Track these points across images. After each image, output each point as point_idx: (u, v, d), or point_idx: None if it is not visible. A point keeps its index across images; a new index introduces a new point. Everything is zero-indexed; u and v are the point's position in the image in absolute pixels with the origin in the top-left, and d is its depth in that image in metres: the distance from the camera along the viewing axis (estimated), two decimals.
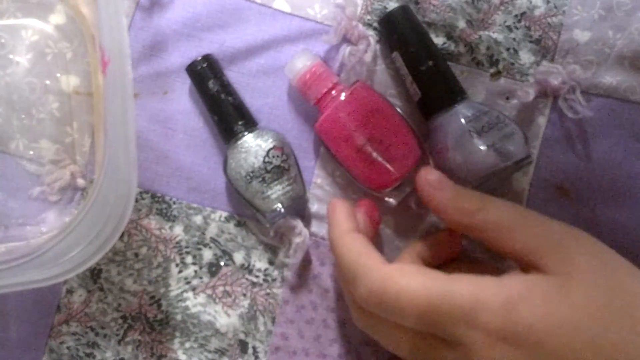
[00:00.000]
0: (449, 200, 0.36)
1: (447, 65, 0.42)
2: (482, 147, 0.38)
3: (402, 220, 0.43)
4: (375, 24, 0.44)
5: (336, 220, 0.38)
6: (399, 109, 0.41)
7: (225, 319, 0.44)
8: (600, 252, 0.33)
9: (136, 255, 0.44)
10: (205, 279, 0.44)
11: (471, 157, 0.38)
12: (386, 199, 0.42)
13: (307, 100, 0.42)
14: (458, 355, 0.31)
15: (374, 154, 0.40)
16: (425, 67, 0.41)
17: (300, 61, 0.41)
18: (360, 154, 0.40)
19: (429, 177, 0.37)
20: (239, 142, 0.41)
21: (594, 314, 0.29)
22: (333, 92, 0.41)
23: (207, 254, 0.44)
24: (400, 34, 0.42)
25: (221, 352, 0.43)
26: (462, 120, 0.39)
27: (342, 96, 0.40)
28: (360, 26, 0.44)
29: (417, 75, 0.41)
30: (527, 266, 0.33)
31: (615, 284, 0.31)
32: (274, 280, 0.44)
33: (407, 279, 0.32)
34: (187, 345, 0.43)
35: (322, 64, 0.42)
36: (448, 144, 0.39)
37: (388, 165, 0.40)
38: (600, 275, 0.31)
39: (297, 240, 0.42)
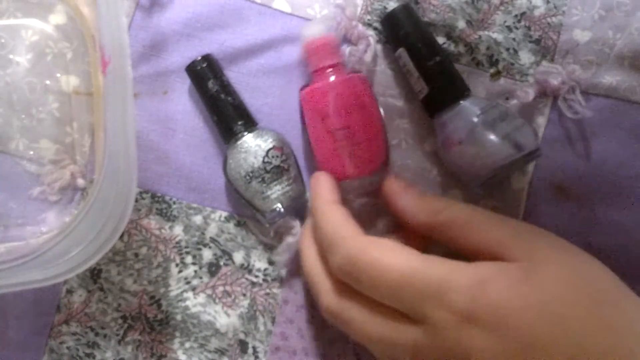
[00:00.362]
0: (414, 202, 0.38)
1: (451, 62, 0.43)
2: (496, 139, 0.38)
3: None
4: (376, 24, 0.44)
5: (319, 191, 0.39)
6: (383, 117, 0.42)
7: (225, 319, 0.44)
8: (564, 244, 0.34)
9: (136, 255, 0.44)
10: (205, 279, 0.44)
11: (485, 149, 0.39)
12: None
13: (307, 65, 0.42)
14: (425, 335, 0.31)
15: (342, 143, 0.40)
16: (432, 63, 0.41)
17: (319, 27, 0.41)
18: (329, 137, 0.40)
19: (394, 184, 0.39)
20: (239, 142, 0.41)
21: (559, 296, 0.30)
22: (333, 69, 0.41)
23: (207, 254, 0.44)
24: (405, 30, 0.42)
25: (221, 352, 0.43)
26: (473, 114, 0.39)
27: (339, 77, 0.41)
28: (360, 26, 0.44)
29: (425, 71, 0.41)
30: (493, 260, 0.33)
31: (580, 270, 0.31)
32: (273, 280, 0.44)
33: (381, 251, 0.33)
34: (187, 345, 0.43)
35: (338, 41, 0.42)
36: (459, 139, 0.39)
37: (348, 160, 0.40)
38: (566, 263, 0.32)
39: (289, 239, 0.42)
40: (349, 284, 0.35)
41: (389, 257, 0.33)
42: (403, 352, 0.32)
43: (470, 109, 0.40)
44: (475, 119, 0.39)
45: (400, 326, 0.32)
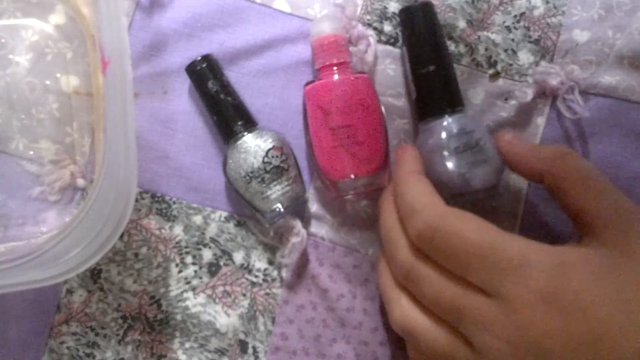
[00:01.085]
0: (530, 149, 0.37)
1: (450, 73, 0.42)
2: (449, 168, 0.38)
3: None
4: (376, 24, 0.44)
5: (404, 162, 0.38)
6: (384, 119, 0.42)
7: (225, 319, 0.44)
8: None
9: (136, 255, 0.44)
10: (205, 279, 0.44)
11: (437, 174, 0.39)
12: (326, 191, 0.43)
13: (313, 61, 0.42)
14: (498, 309, 0.31)
15: (342, 142, 0.40)
16: (425, 71, 0.41)
17: (329, 25, 0.41)
18: (329, 134, 0.40)
19: (507, 134, 0.39)
20: (239, 143, 0.41)
21: None
22: (339, 67, 0.41)
23: (207, 254, 0.44)
24: (412, 30, 0.42)
25: (221, 352, 0.43)
26: (442, 135, 0.39)
27: (344, 76, 0.41)
28: (360, 26, 0.44)
29: (416, 76, 0.42)
30: (586, 229, 0.33)
31: None
32: (273, 280, 0.44)
33: (463, 222, 0.33)
34: (187, 345, 0.43)
35: (346, 40, 0.42)
36: (424, 154, 0.40)
37: (348, 159, 0.40)
38: None
39: (294, 240, 0.42)
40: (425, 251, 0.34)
41: (471, 228, 0.32)
42: (472, 321, 0.31)
43: (445, 128, 0.39)
44: (441, 141, 0.39)
45: (473, 295, 0.32)
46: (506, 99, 0.44)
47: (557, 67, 0.43)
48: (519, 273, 0.30)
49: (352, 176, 0.40)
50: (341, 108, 0.40)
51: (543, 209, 0.43)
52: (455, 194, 0.39)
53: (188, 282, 0.44)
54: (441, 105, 0.41)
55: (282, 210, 0.41)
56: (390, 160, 0.42)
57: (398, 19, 0.44)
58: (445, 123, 0.40)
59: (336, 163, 0.41)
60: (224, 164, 0.41)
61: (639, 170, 0.43)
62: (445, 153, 0.38)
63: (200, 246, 0.44)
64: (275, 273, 0.44)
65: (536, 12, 0.44)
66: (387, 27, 0.44)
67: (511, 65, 0.44)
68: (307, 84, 0.42)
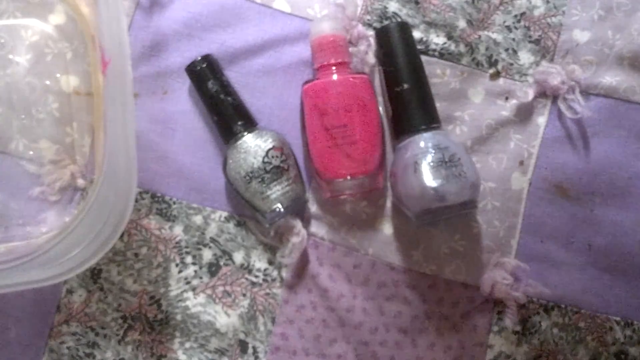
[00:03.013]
0: None
1: (426, 91, 0.42)
2: (422, 183, 0.38)
3: (402, 222, 0.44)
4: (376, 24, 0.44)
5: None
6: (382, 120, 0.42)
7: (225, 319, 0.44)
8: None
9: (136, 255, 0.44)
10: (205, 279, 0.44)
11: (410, 190, 0.39)
12: (323, 190, 0.43)
13: (312, 60, 0.42)
14: None
15: (337, 141, 0.40)
16: (399, 89, 0.41)
17: (329, 25, 0.42)
18: (325, 134, 0.40)
19: None
20: (239, 143, 0.41)
21: None
22: (337, 67, 0.41)
23: (207, 254, 0.44)
24: (386, 50, 0.42)
25: (221, 352, 0.43)
26: (416, 150, 0.39)
27: (342, 75, 0.41)
28: (360, 26, 0.44)
29: (390, 95, 0.42)
30: None
31: None
32: (273, 280, 0.44)
33: None
34: (187, 345, 0.44)
35: (346, 40, 0.42)
36: (398, 171, 0.40)
37: (343, 159, 0.40)
38: None
39: (294, 240, 0.42)
40: None
41: None
42: None
43: (418, 144, 0.40)
44: (413, 157, 0.39)
45: None
46: (507, 99, 0.44)
47: (558, 67, 0.43)
48: None
49: (347, 177, 0.41)
50: (338, 108, 0.40)
51: (544, 208, 0.43)
52: (429, 209, 0.39)
53: (188, 282, 0.44)
54: (415, 122, 0.41)
55: (282, 210, 0.41)
56: (386, 161, 0.42)
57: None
58: (419, 139, 0.40)
59: (331, 163, 0.41)
60: (224, 164, 0.41)
61: (639, 171, 0.43)
62: (419, 167, 0.39)
63: (201, 246, 0.44)
64: (275, 273, 0.44)
65: (536, 12, 0.44)
66: None
67: (512, 64, 0.44)
68: (306, 83, 0.42)
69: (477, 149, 0.44)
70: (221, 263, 0.44)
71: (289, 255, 0.43)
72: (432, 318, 0.43)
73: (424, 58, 0.43)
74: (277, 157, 0.41)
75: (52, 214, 0.44)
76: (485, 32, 0.44)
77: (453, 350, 0.43)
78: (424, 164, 0.38)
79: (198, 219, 0.44)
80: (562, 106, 0.43)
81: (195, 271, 0.44)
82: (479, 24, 0.44)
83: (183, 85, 0.45)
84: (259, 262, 0.44)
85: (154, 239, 0.44)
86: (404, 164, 0.39)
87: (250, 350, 0.43)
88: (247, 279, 0.44)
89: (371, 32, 0.44)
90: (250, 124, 0.42)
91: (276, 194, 0.40)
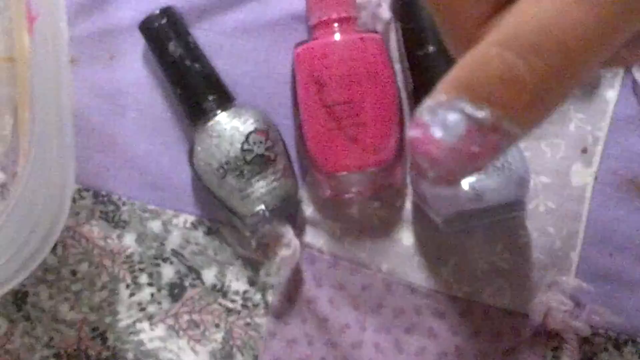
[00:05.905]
0: None
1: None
2: None
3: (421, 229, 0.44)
4: None
5: None
6: (400, 93, 0.42)
7: (191, 357, 0.44)
8: None
9: (73, 273, 0.44)
10: (165, 305, 0.44)
11: (437, 187, 0.39)
12: (322, 188, 0.43)
13: (307, 14, 0.42)
14: None
15: (341, 122, 0.40)
16: (423, 52, 0.41)
17: None
18: (324, 112, 0.40)
19: None
20: (210, 124, 0.41)
21: None
22: (340, 24, 0.41)
23: (168, 272, 0.44)
24: (406, 3, 0.42)
25: None
26: None
27: (346, 35, 0.41)
28: None
29: (411, 60, 0.42)
30: None
31: None
32: (255, 306, 0.44)
33: None
34: None
35: None
36: None
37: (347, 145, 0.40)
38: None
39: (283, 253, 0.42)
40: None
41: None
42: None
43: None
44: None
45: None
46: None
47: None
48: None
49: (354, 169, 0.40)
50: (341, 78, 0.40)
51: (612, 210, 0.43)
52: (462, 212, 0.39)
53: (143, 309, 0.44)
54: None
55: (267, 213, 0.41)
56: (406, 149, 0.42)
57: None
58: None
59: (332, 151, 0.41)
60: (190, 152, 0.41)
61: None
62: None
63: (159, 261, 0.44)
64: (258, 297, 0.44)
65: None
66: None
67: None
68: (298, 44, 0.42)
69: None
70: (186, 284, 0.44)
71: (276, 273, 0.43)
72: (465, 356, 0.43)
73: None
74: (260, 143, 0.41)
75: None
76: None
77: None
78: None
79: (156, 226, 0.44)
80: (638, 76, 0.43)
81: (152, 294, 0.44)
82: None
83: (136, 48, 0.45)
84: (237, 283, 0.44)
85: (98, 252, 0.44)
86: None
87: None
88: (221, 304, 0.44)
89: None
90: (225, 100, 0.42)
91: (259, 192, 0.40)
